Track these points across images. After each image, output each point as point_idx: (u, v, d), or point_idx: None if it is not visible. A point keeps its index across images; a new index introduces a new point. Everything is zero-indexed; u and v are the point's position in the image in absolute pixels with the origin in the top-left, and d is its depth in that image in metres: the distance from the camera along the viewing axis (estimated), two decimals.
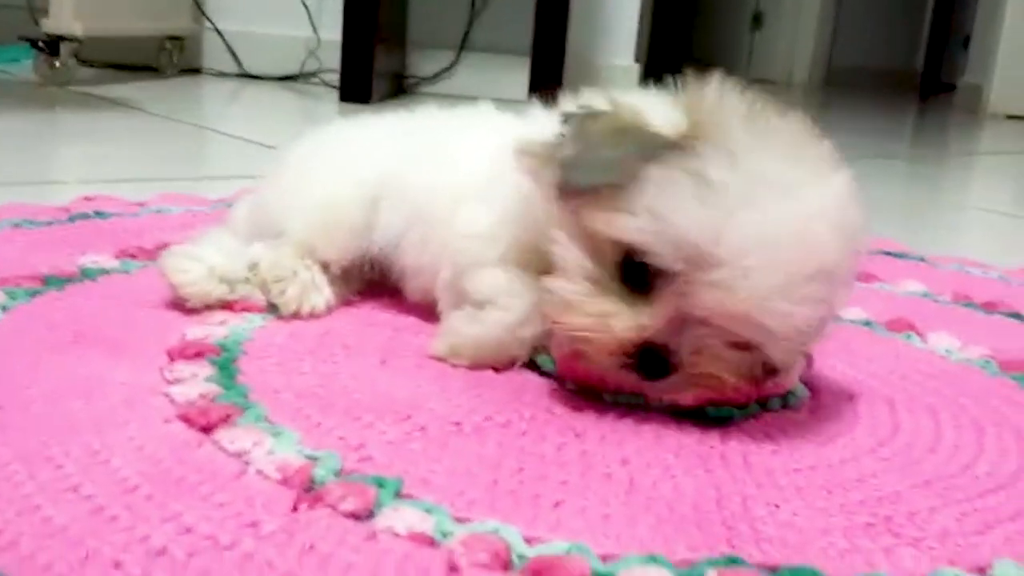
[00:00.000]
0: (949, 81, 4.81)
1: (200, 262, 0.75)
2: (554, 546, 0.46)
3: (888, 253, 1.15)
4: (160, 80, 2.52)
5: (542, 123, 0.69)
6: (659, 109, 0.61)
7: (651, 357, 0.59)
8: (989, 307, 0.94)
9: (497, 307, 0.68)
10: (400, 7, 2.67)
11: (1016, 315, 0.92)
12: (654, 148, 0.57)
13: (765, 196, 0.55)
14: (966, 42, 4.46)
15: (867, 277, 1.02)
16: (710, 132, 0.57)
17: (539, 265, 0.65)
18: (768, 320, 0.55)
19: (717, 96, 0.60)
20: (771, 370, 0.61)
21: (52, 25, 2.12)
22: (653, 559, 0.45)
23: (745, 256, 0.54)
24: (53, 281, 0.79)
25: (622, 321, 0.58)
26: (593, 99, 0.63)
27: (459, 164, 0.75)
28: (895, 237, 1.22)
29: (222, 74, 2.75)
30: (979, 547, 0.49)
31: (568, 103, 0.65)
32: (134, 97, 2.14)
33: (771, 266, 0.54)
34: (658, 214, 0.56)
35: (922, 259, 1.13)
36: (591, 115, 0.62)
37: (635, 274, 0.58)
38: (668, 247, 0.55)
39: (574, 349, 0.62)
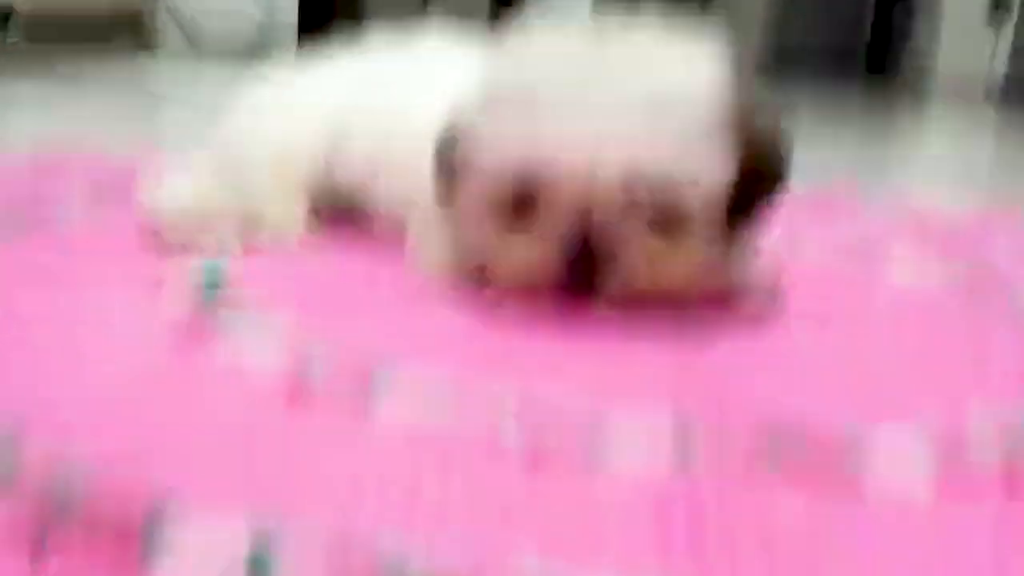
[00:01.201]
0: (895, 58, 4.89)
1: (177, 197, 0.75)
2: (544, 438, 0.47)
3: (847, 193, 1.17)
4: (111, 56, 2.48)
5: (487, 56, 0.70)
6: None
7: (580, 262, 0.60)
8: (950, 239, 0.97)
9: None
10: None
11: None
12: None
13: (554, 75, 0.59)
14: (908, 27, 4.54)
15: (827, 210, 1.04)
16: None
17: None
18: (618, 168, 0.58)
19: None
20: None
21: None
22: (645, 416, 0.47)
23: (560, 133, 0.58)
24: (23, 224, 0.78)
25: (534, 241, 0.61)
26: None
27: (419, 94, 0.76)
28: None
29: (175, 51, 2.71)
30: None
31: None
32: (87, 70, 2.11)
33: (584, 121, 0.58)
34: (486, 161, 0.61)
35: (881, 198, 1.16)
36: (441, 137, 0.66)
37: (526, 212, 0.61)
38: (516, 173, 0.60)
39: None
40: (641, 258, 0.60)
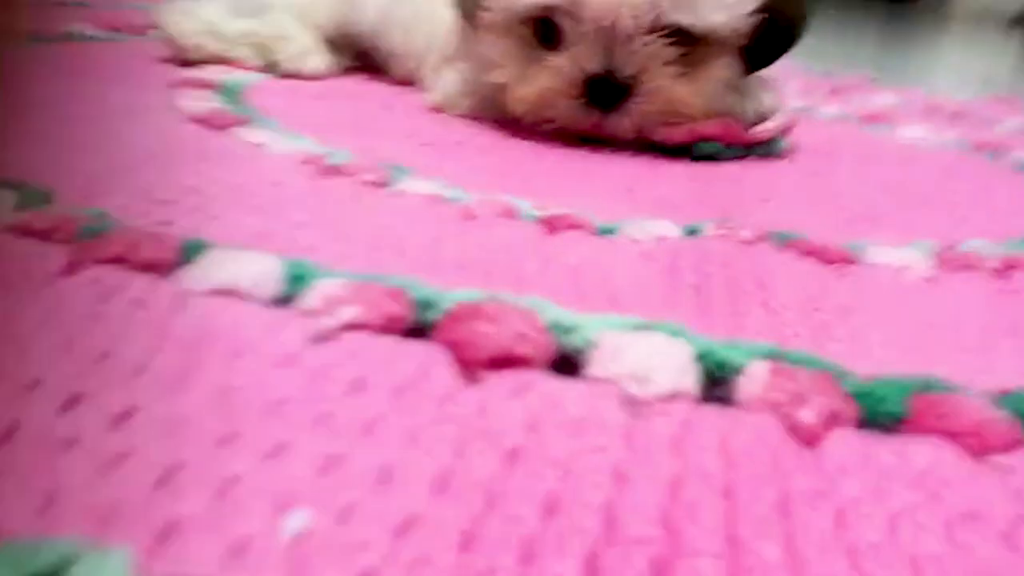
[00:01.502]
0: None
1: (198, 18, 0.75)
2: (560, 210, 0.49)
3: (863, 80, 1.18)
4: None
5: None
6: None
7: (602, 86, 0.61)
8: (957, 116, 0.98)
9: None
10: None
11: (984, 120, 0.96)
12: None
13: None
14: None
15: (842, 91, 1.05)
16: None
17: None
18: None
19: None
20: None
21: None
22: (654, 219, 0.48)
23: None
24: (40, 39, 0.78)
25: (558, 66, 0.61)
26: None
27: None
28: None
29: None
30: (953, 234, 0.53)
31: None
32: None
33: None
34: None
35: (896, 86, 1.17)
36: None
37: (548, 38, 0.62)
38: None
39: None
40: (662, 82, 0.61)
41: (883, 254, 0.47)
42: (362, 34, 0.80)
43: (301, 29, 0.79)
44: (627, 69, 0.60)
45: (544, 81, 0.62)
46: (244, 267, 0.34)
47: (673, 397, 0.28)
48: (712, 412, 0.28)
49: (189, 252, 0.35)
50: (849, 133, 0.83)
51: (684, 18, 0.60)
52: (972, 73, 1.83)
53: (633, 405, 0.28)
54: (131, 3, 1.07)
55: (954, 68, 1.94)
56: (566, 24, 0.60)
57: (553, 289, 0.38)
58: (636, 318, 0.32)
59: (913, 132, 0.85)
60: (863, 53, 2.06)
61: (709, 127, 0.64)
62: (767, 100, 0.68)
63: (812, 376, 0.29)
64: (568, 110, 0.62)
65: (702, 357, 0.30)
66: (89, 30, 0.84)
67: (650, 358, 0.30)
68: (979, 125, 0.92)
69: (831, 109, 0.92)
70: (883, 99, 1.03)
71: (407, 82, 0.78)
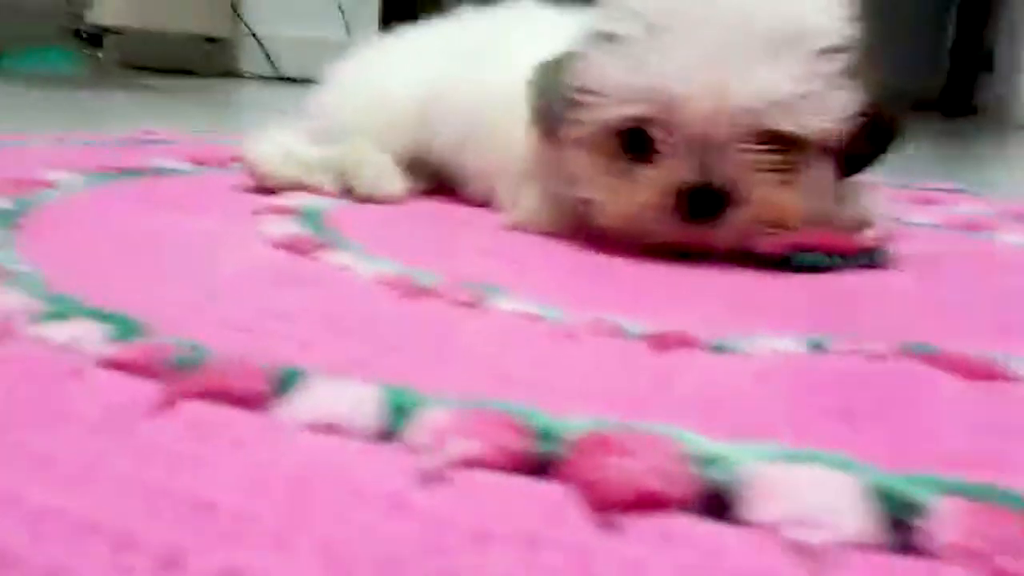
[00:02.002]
0: (972, 103, 4.80)
1: (278, 145, 0.76)
2: (667, 327, 0.45)
3: (943, 190, 1.14)
4: (198, 79, 2.56)
5: (582, 18, 0.70)
6: None
7: (701, 197, 0.58)
8: None
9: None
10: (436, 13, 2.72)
11: None
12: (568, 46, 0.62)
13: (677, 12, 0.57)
14: (989, 61, 4.46)
15: (927, 201, 1.01)
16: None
17: None
18: (745, 95, 0.56)
19: None
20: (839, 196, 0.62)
21: (96, 16, 2.16)
22: (772, 334, 0.45)
23: (686, 62, 0.56)
24: (129, 172, 0.79)
25: (652, 178, 0.59)
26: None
27: (510, 64, 0.74)
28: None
29: (258, 76, 2.79)
30: None
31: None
32: (175, 87, 2.17)
33: (709, 51, 0.56)
34: (609, 85, 0.59)
35: (979, 193, 1.13)
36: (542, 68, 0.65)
37: (640, 150, 0.59)
38: (636, 103, 0.58)
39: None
40: (762, 190, 0.58)
41: None
42: (438, 155, 0.80)
43: (377, 153, 0.78)
44: (725, 178, 0.58)
45: (639, 195, 0.60)
46: (342, 397, 0.31)
47: (852, 544, 0.24)
48: (904, 564, 0.23)
49: (284, 383, 0.32)
50: (949, 241, 0.79)
51: (782, 124, 0.57)
52: None
53: (806, 555, 0.24)
54: (215, 138, 1.10)
55: None
56: (658, 134, 0.58)
57: (677, 414, 0.35)
58: (788, 447, 0.29)
59: (1014, 238, 0.81)
60: (923, 167, 2.03)
61: (811, 236, 0.61)
62: (868, 206, 0.65)
63: (1014, 517, 0.25)
64: (665, 224, 0.59)
65: (876, 493, 0.26)
66: (175, 164, 0.85)
67: (815, 495, 0.26)
68: None
69: (922, 218, 0.88)
70: (972, 207, 0.99)
71: (485, 202, 0.76)
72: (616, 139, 0.61)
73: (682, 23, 0.57)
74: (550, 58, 0.65)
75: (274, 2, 2.79)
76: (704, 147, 0.57)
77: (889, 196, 1.00)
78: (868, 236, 0.64)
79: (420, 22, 0.89)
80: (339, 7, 2.75)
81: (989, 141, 3.17)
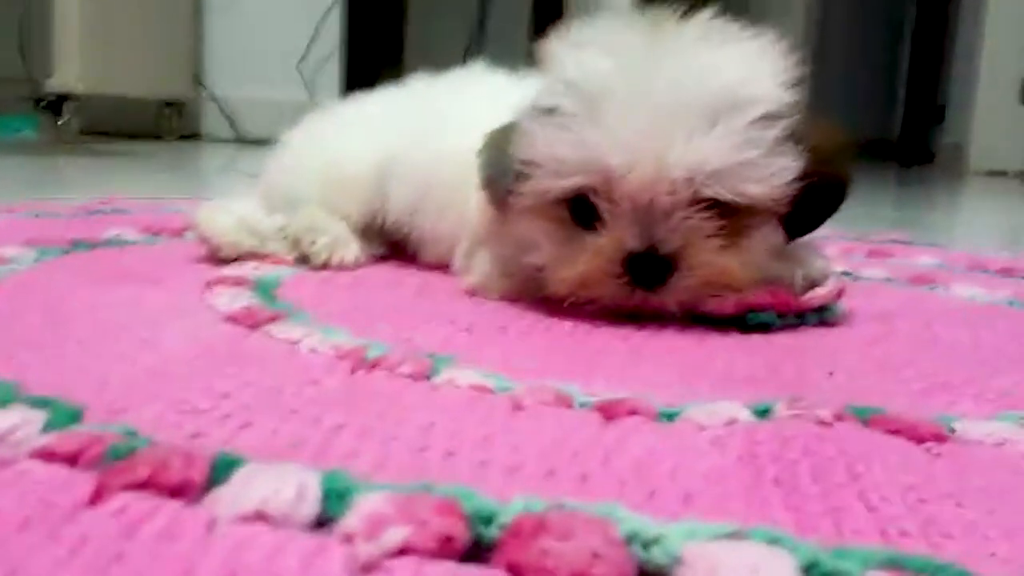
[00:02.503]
0: (927, 150, 4.91)
1: (231, 214, 0.76)
2: (616, 394, 0.45)
3: (897, 241, 1.16)
4: (160, 143, 2.56)
5: (533, 84, 0.71)
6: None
7: (644, 263, 0.59)
8: (1005, 272, 0.95)
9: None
10: (397, 73, 2.74)
11: None
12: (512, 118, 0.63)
13: (612, 85, 0.59)
14: (941, 113, 4.57)
15: (881, 254, 1.03)
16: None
17: None
18: (683, 165, 0.57)
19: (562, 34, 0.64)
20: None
21: (56, 84, 2.16)
22: (718, 400, 0.45)
23: (624, 134, 0.57)
24: (82, 244, 0.79)
25: (599, 246, 0.60)
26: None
27: (462, 131, 0.74)
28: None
29: (220, 140, 2.79)
30: None
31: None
32: (136, 151, 2.17)
33: (646, 122, 0.57)
34: (551, 157, 0.60)
35: (933, 244, 1.15)
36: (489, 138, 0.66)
37: (585, 218, 0.60)
38: (577, 175, 0.59)
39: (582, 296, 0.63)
40: (705, 255, 0.59)
41: (975, 428, 0.43)
42: (392, 221, 0.80)
43: (332, 221, 0.78)
44: (669, 244, 0.59)
45: (585, 261, 0.60)
46: (278, 484, 0.30)
47: None
48: None
49: (219, 470, 0.31)
50: (900, 296, 0.80)
51: (722, 192, 0.58)
52: (998, 229, 1.82)
53: None
54: (171, 205, 1.09)
55: (980, 224, 1.93)
56: (602, 204, 0.59)
57: (619, 488, 0.34)
58: (724, 524, 0.28)
59: (965, 291, 0.82)
60: (884, 213, 2.07)
61: (759, 296, 0.62)
62: (816, 265, 0.66)
63: None
64: (612, 289, 0.60)
65: (809, 569, 0.26)
66: (128, 235, 0.85)
67: (750, 574, 0.25)
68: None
69: (875, 271, 0.90)
70: (925, 259, 1.01)
71: (440, 267, 0.76)
72: (562, 208, 0.61)
73: (620, 95, 0.58)
74: (497, 128, 0.66)
75: (234, 65, 2.81)
76: (647, 215, 0.58)
77: (843, 249, 1.02)
78: (818, 294, 0.65)
79: (381, 86, 0.89)
80: (298, 70, 2.77)
81: (944, 187, 3.24)
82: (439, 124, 0.78)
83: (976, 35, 3.79)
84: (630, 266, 0.59)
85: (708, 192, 0.58)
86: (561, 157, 0.59)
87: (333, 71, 2.68)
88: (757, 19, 0.65)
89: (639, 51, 0.60)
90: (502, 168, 0.63)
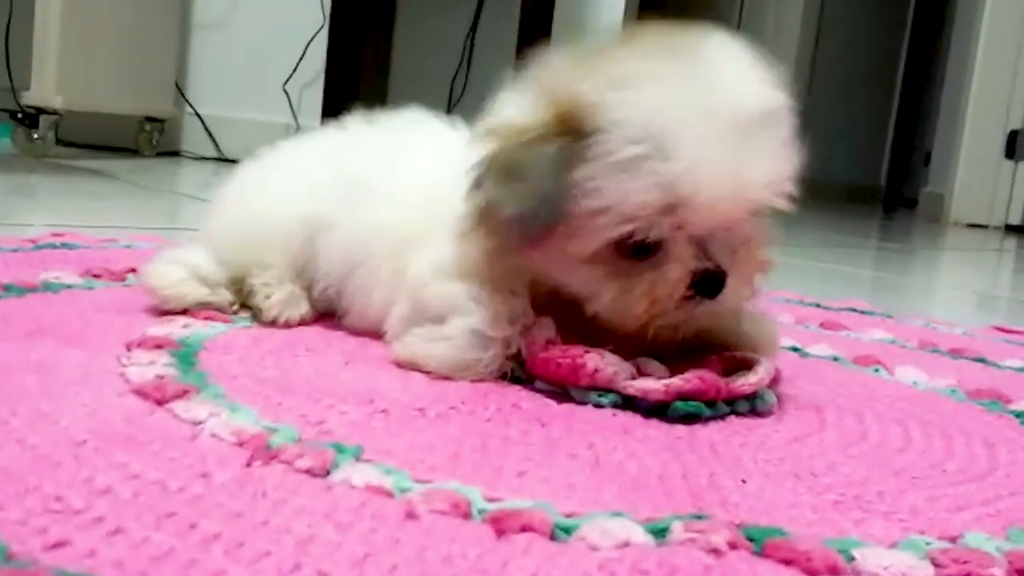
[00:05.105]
0: (911, 196, 4.94)
1: (181, 265, 0.75)
2: (516, 503, 0.44)
3: (854, 310, 1.16)
4: (138, 159, 2.55)
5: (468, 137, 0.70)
6: (519, 104, 0.63)
7: (708, 280, 0.61)
8: (955, 352, 0.95)
9: (461, 314, 0.66)
10: (381, 97, 2.74)
11: (982, 359, 0.93)
12: (554, 158, 0.59)
13: (676, 120, 0.58)
14: (926, 159, 4.61)
15: (834, 326, 1.02)
16: (574, 110, 0.59)
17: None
18: (756, 184, 0.60)
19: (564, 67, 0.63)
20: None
21: (33, 98, 2.14)
22: (617, 515, 0.44)
23: (702, 160, 0.57)
24: (13, 289, 0.77)
25: (667, 274, 0.60)
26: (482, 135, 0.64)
27: (396, 200, 0.73)
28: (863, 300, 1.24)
29: (201, 157, 2.78)
30: (950, 522, 0.48)
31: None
32: (111, 168, 2.15)
33: (725, 147, 0.58)
34: (619, 207, 0.58)
35: (888, 316, 1.14)
36: (485, 167, 0.62)
37: (642, 251, 0.60)
38: (647, 217, 0.58)
39: (547, 341, 0.62)
40: (746, 260, 0.63)
41: (874, 557, 0.42)
42: (322, 288, 0.78)
43: (287, 277, 0.77)
44: (726, 255, 0.61)
45: (651, 292, 0.60)
46: None
47: None
48: None
49: None
50: (841, 377, 0.79)
51: (776, 199, 0.61)
52: (969, 289, 1.82)
53: None
54: (119, 242, 1.08)
55: (952, 283, 1.93)
56: (667, 232, 0.59)
57: None
58: None
59: (908, 376, 0.82)
60: (861, 259, 2.07)
61: (688, 383, 0.61)
62: (766, 333, 0.68)
63: None
64: (683, 310, 0.61)
65: None
66: (67, 277, 0.83)
67: None
68: (977, 370, 0.88)
69: (822, 349, 0.89)
70: (878, 334, 1.01)
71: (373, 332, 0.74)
72: (612, 245, 0.60)
73: (688, 127, 0.58)
74: (503, 154, 0.62)
75: (219, 83, 2.80)
76: (708, 236, 0.60)
77: (798, 317, 1.01)
78: (750, 381, 0.64)
79: (360, 110, 0.85)
80: (284, 90, 2.77)
81: (924, 236, 3.25)
82: (372, 190, 0.74)
83: (963, 86, 3.82)
84: (697, 283, 0.60)
85: (768, 202, 0.61)
86: (639, 202, 0.58)
87: (319, 94, 2.67)
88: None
89: (686, 79, 0.60)
90: (535, 203, 0.60)
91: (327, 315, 0.79)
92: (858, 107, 5.63)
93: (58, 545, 0.35)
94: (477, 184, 0.62)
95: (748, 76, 0.61)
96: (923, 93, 4.87)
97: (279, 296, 0.76)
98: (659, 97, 0.58)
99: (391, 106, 0.83)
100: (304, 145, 0.85)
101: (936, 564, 0.42)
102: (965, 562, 0.42)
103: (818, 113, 5.32)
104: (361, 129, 0.82)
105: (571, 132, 0.59)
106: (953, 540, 0.45)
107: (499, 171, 0.62)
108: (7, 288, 0.77)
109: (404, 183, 0.72)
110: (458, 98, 2.80)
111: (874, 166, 5.80)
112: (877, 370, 0.83)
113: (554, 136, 0.60)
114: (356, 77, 2.70)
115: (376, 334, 0.72)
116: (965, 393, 0.77)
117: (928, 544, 0.44)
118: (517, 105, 0.63)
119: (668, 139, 0.57)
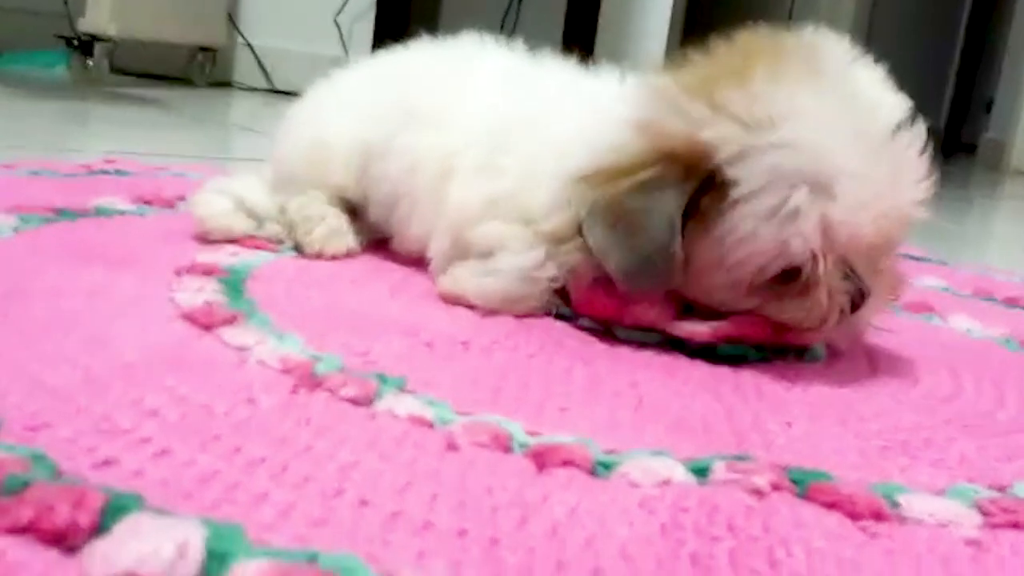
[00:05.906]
0: (971, 142, 4.79)
1: (228, 196, 0.75)
2: (557, 438, 0.44)
3: (909, 256, 1.13)
4: (190, 88, 2.56)
5: (552, 68, 0.68)
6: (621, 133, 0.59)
7: (859, 294, 0.59)
8: (1010, 301, 0.92)
9: (508, 252, 0.65)
10: (432, 28, 2.71)
11: None
12: (671, 207, 0.56)
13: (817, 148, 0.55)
14: (988, 106, 4.45)
15: None
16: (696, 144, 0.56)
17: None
18: (909, 208, 0.58)
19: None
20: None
21: (88, 25, 2.15)
22: (659, 453, 0.43)
23: (863, 193, 0.55)
24: (67, 213, 0.78)
25: (820, 301, 0.58)
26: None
27: (448, 126, 0.71)
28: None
29: (252, 88, 2.78)
30: (999, 471, 0.47)
31: None
32: (164, 97, 2.16)
33: (876, 182, 0.56)
34: (777, 247, 0.56)
35: (943, 262, 1.12)
36: (589, 211, 0.59)
37: (788, 275, 0.57)
38: (803, 250, 0.55)
39: (593, 279, 0.61)
40: (884, 275, 0.61)
41: (919, 503, 0.41)
42: (373, 213, 0.77)
43: (329, 208, 0.77)
44: (867, 275, 0.59)
45: (812, 315, 0.59)
46: (159, 541, 0.30)
47: None
48: None
49: (109, 516, 0.31)
50: (892, 325, 0.77)
51: (922, 215, 0.60)
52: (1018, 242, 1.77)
53: None
54: (170, 170, 1.08)
55: (1009, 233, 1.88)
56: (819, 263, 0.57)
57: (528, 557, 0.33)
58: None
59: (962, 324, 0.80)
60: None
61: (740, 325, 0.60)
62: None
63: None
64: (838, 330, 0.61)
65: None
66: (118, 203, 0.84)
67: None
68: None
69: None
70: (933, 281, 0.98)
71: (421, 261, 0.74)
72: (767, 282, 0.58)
73: (842, 170, 0.55)
74: (625, 213, 0.58)
75: (271, 14, 2.79)
76: (855, 258, 0.58)
77: None
78: (806, 339, 0.62)
79: (412, 40, 0.85)
80: (335, 22, 2.75)
81: (983, 184, 3.16)
82: (426, 114, 0.74)
83: None
84: (847, 304, 0.59)
85: (917, 218, 0.60)
86: (803, 244, 0.55)
87: (370, 27, 2.65)
88: (804, 17, 0.63)
89: (829, 106, 0.56)
90: (648, 257, 0.58)
91: (382, 242, 0.78)
92: (919, 50, 5.44)
93: (106, 464, 0.36)
94: (580, 229, 0.60)
95: (881, 88, 0.59)
96: (987, 38, 4.69)
97: (321, 231, 0.75)
98: (807, 139, 0.55)
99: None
100: (371, 66, 0.84)
101: (984, 512, 0.41)
102: (1014, 511, 0.41)
103: (877, 55, 5.17)
104: (427, 50, 0.81)
105: (689, 174, 0.56)
106: (1002, 489, 0.44)
107: (606, 218, 0.58)
108: (60, 212, 0.78)
109: (458, 109, 0.71)
110: (509, 35, 2.76)
111: (934, 111, 5.63)
112: (930, 318, 0.82)
113: (669, 179, 0.56)
114: (406, 11, 2.67)
115: (421, 266, 0.72)
116: (1019, 343, 0.75)
117: (976, 492, 0.43)
118: (619, 134, 0.59)
119: (827, 180, 0.54)
